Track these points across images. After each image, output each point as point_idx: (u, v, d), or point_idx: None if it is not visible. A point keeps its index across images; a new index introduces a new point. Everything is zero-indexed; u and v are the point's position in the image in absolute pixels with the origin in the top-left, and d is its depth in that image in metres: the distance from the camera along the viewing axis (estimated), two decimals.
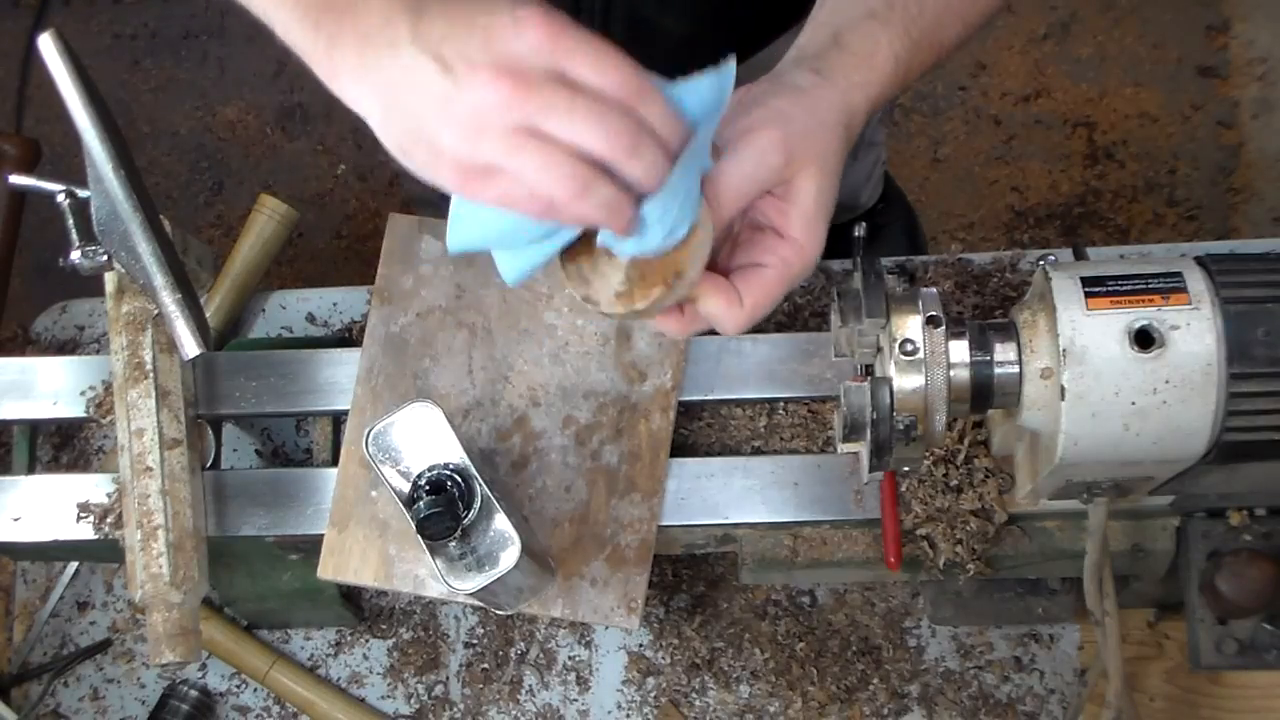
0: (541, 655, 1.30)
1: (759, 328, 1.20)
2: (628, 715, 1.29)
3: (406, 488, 0.94)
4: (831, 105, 0.82)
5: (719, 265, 0.82)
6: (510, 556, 0.93)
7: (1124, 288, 0.88)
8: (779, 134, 0.78)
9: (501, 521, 0.93)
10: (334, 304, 1.32)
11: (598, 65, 0.68)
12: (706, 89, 0.74)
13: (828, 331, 1.11)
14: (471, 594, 0.94)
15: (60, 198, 1.04)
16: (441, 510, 0.90)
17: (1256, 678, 1.24)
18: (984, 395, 0.93)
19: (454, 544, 0.93)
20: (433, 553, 0.93)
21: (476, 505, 0.93)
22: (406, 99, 0.70)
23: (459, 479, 0.93)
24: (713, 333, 1.06)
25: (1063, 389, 0.88)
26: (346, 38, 0.71)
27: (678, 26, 0.95)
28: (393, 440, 0.95)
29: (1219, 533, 1.07)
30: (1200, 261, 0.90)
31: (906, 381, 0.89)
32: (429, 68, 0.68)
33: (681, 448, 1.16)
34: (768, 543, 1.13)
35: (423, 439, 0.96)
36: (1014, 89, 2.40)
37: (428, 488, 0.93)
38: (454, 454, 0.95)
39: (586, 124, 0.68)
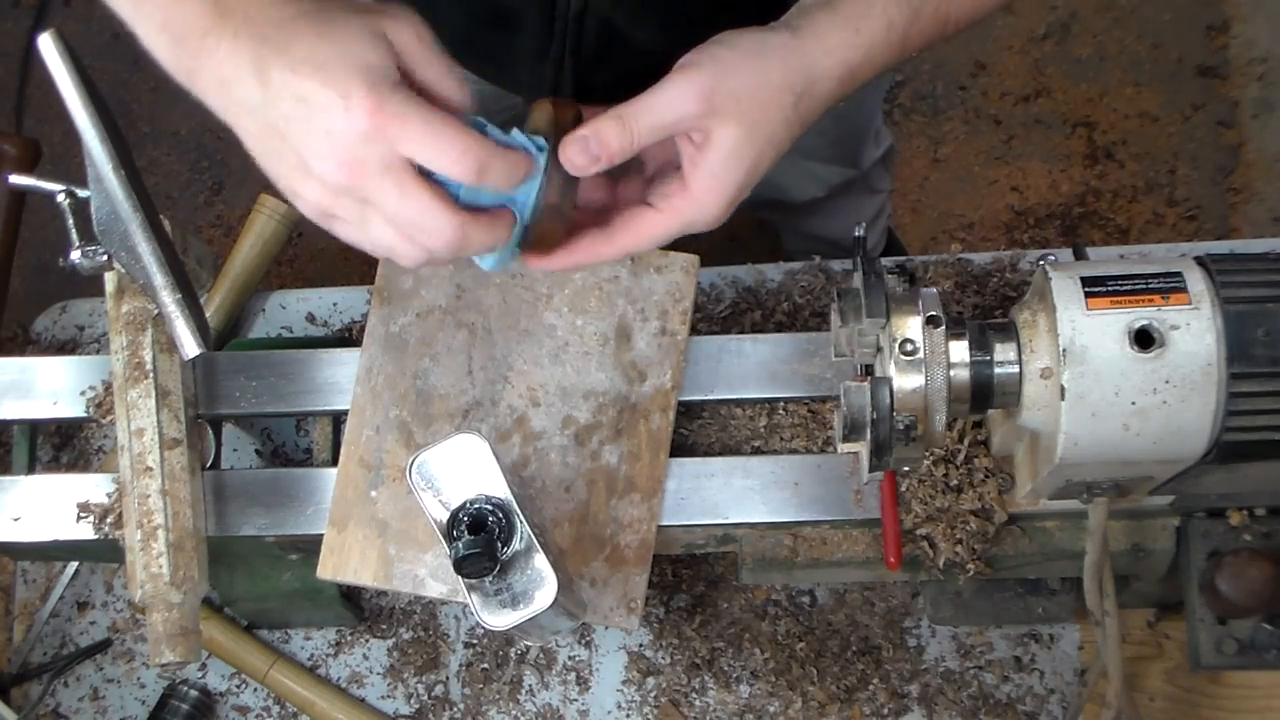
0: (541, 655, 1.30)
1: (759, 328, 1.21)
2: (628, 715, 1.29)
3: (445, 517, 0.93)
4: (787, 68, 0.79)
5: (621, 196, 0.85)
6: (546, 596, 0.91)
7: (1124, 288, 0.88)
8: (704, 81, 0.77)
9: (540, 561, 0.92)
10: (334, 304, 1.32)
11: (433, 151, 0.71)
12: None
13: (828, 331, 1.11)
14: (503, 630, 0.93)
15: (60, 198, 1.04)
16: (480, 551, 0.89)
17: (1256, 678, 1.24)
18: (984, 395, 0.93)
19: (490, 580, 0.92)
20: (468, 589, 0.92)
21: (515, 542, 0.92)
22: (268, 147, 0.74)
23: (500, 514, 0.92)
24: (713, 332, 1.07)
25: (1063, 389, 0.88)
26: (205, 76, 0.73)
27: (651, 40, 0.95)
28: (436, 470, 0.94)
29: (1219, 533, 1.07)
30: (1200, 261, 0.90)
31: (906, 381, 0.89)
32: (280, 136, 0.72)
33: (681, 448, 1.16)
34: (768, 543, 1.13)
35: (466, 471, 0.94)
36: (1014, 89, 2.40)
37: (468, 522, 0.92)
38: (498, 488, 0.93)
39: (413, 222, 0.73)
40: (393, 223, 0.74)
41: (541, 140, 0.80)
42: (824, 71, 0.80)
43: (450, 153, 0.72)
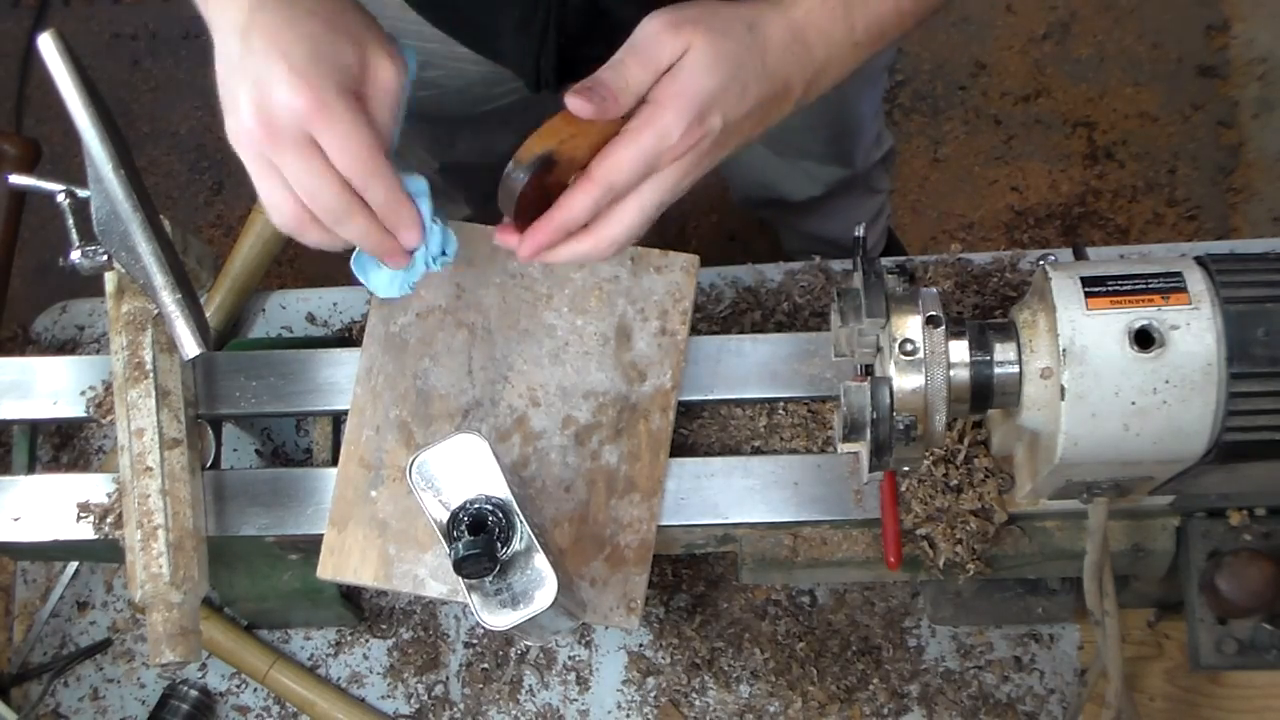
0: (541, 655, 1.30)
1: (759, 328, 1.21)
2: (628, 715, 1.29)
3: (445, 517, 0.93)
4: (735, 3, 0.84)
5: None
6: (546, 596, 0.91)
7: (1124, 288, 0.88)
8: (664, 13, 0.83)
9: (540, 561, 0.92)
10: (334, 304, 1.32)
11: (338, 142, 0.80)
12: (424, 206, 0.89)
13: (828, 331, 1.11)
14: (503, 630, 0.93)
15: (60, 198, 1.04)
16: (480, 551, 0.89)
17: (1256, 678, 1.24)
18: (984, 395, 0.93)
19: (490, 580, 0.92)
20: (468, 589, 0.92)
21: (515, 542, 0.92)
22: (222, 66, 0.82)
23: (500, 514, 0.92)
24: (713, 332, 1.06)
25: (1063, 389, 0.88)
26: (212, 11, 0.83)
27: (634, 17, 0.97)
28: (436, 470, 0.94)
29: (1219, 533, 1.07)
30: (1200, 261, 0.90)
31: (906, 381, 0.89)
32: (234, 63, 0.81)
33: (681, 448, 1.16)
34: (768, 543, 1.13)
35: (466, 471, 0.94)
36: (1014, 89, 2.40)
37: (468, 522, 0.91)
38: (498, 488, 0.93)
39: (304, 188, 0.82)
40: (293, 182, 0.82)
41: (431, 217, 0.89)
42: (769, 17, 0.85)
43: (349, 157, 0.81)
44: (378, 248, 0.87)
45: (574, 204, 0.84)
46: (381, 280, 0.94)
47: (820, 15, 0.86)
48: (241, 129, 0.81)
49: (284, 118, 0.79)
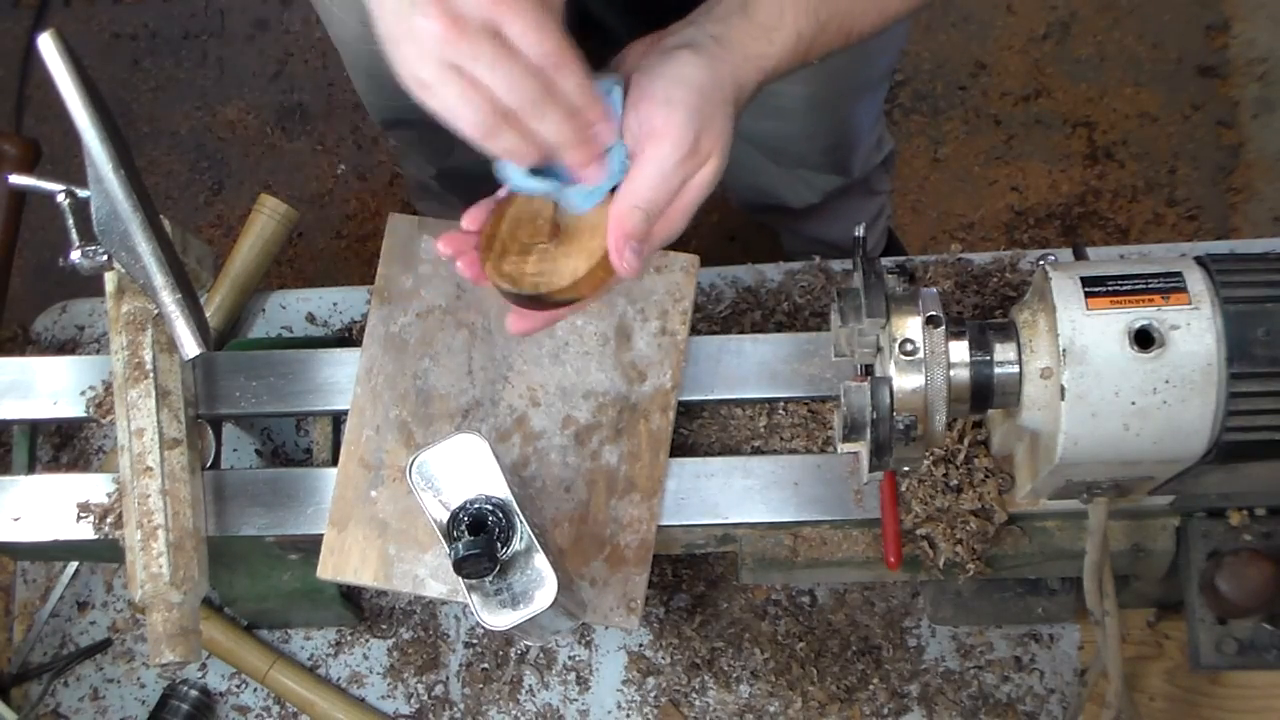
0: (541, 655, 1.30)
1: (759, 328, 1.21)
2: (628, 715, 1.29)
3: (445, 517, 0.93)
4: (723, 84, 0.85)
5: None
6: (545, 596, 0.92)
7: (1124, 288, 0.88)
8: (687, 126, 0.83)
9: (540, 561, 0.92)
10: (334, 304, 1.32)
11: (527, 31, 0.77)
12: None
13: (828, 331, 1.11)
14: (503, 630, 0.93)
15: (60, 198, 1.04)
16: (480, 551, 0.89)
17: (1256, 678, 1.24)
18: (984, 395, 0.93)
19: (490, 580, 0.92)
20: (468, 589, 0.92)
21: (515, 542, 0.92)
22: (389, 14, 0.78)
23: (500, 514, 0.92)
24: (713, 332, 1.06)
25: (1063, 389, 0.88)
26: None
27: (622, 25, 0.97)
28: (436, 470, 0.94)
29: (1219, 533, 1.07)
30: (1200, 261, 0.90)
31: (906, 381, 0.89)
32: (402, 7, 0.76)
33: (681, 448, 1.16)
34: (768, 543, 1.13)
35: (466, 471, 0.94)
36: (1014, 89, 2.39)
37: (468, 522, 0.91)
38: (498, 488, 0.93)
39: (499, 78, 0.77)
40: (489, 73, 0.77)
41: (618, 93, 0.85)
42: (745, 78, 0.87)
43: (540, 43, 0.77)
44: (574, 142, 0.81)
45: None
46: (576, 195, 0.88)
47: (789, 58, 0.88)
48: (423, 37, 0.76)
49: (468, 6, 0.75)
